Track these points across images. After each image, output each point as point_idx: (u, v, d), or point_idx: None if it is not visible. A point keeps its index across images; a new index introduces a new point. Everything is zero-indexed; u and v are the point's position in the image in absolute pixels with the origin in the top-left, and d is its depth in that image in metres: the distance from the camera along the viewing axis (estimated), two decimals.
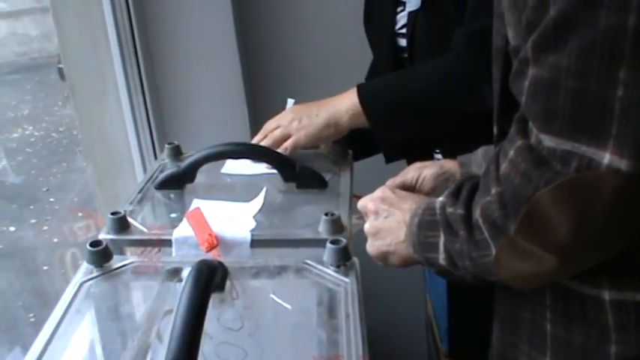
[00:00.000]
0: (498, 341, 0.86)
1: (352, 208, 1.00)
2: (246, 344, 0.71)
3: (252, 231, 0.91)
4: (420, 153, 1.27)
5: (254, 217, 0.96)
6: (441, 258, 0.79)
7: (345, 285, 0.78)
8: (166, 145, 1.20)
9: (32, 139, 4.59)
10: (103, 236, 0.90)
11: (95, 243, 0.81)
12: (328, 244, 0.81)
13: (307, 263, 0.82)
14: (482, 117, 1.10)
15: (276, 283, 0.81)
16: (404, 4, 1.24)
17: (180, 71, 1.62)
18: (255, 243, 0.90)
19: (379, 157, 1.23)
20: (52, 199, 3.71)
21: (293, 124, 1.17)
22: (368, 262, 0.88)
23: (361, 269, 0.81)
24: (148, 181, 1.09)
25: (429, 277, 1.58)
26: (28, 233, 3.33)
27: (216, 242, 0.87)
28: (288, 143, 1.16)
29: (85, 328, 0.74)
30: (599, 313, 0.73)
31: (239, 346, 0.71)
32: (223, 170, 1.14)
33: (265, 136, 1.18)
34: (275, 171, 1.06)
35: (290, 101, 1.24)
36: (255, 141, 1.19)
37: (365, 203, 0.92)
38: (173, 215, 1.00)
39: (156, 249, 0.91)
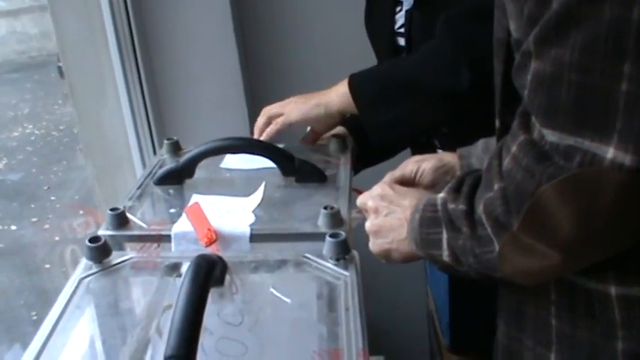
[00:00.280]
0: (503, 336, 0.86)
1: (351, 202, 1.00)
2: (247, 339, 0.71)
3: (251, 225, 0.91)
4: (407, 139, 1.27)
5: (253, 211, 0.96)
6: (445, 255, 0.79)
7: (344, 278, 0.78)
8: (165, 141, 1.20)
9: (32, 138, 4.59)
10: (102, 232, 0.90)
11: (94, 239, 0.81)
12: (328, 238, 0.81)
13: (307, 257, 0.82)
14: (471, 106, 1.11)
15: (276, 277, 0.81)
16: (402, 3, 1.25)
17: (178, 67, 1.62)
18: (254, 237, 0.90)
19: None
20: (52, 198, 3.72)
21: (289, 104, 1.21)
22: (368, 256, 0.88)
23: (361, 262, 0.81)
24: (147, 176, 1.09)
25: (430, 270, 1.58)
26: (29, 232, 3.33)
27: (216, 237, 0.87)
28: (280, 118, 1.20)
29: (84, 324, 0.74)
30: (605, 308, 0.72)
31: (239, 341, 0.71)
32: (222, 165, 1.14)
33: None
34: (274, 165, 1.06)
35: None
36: (256, 124, 1.23)
37: (365, 200, 0.92)
38: (172, 210, 1.00)
39: (155, 244, 0.91)
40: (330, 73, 1.20)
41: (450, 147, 1.31)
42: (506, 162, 0.69)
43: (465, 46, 1.08)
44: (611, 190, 0.61)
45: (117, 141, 1.58)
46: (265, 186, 1.03)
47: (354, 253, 0.82)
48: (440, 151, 1.35)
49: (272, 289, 0.78)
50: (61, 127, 4.68)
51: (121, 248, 0.90)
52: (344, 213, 0.92)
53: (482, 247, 0.73)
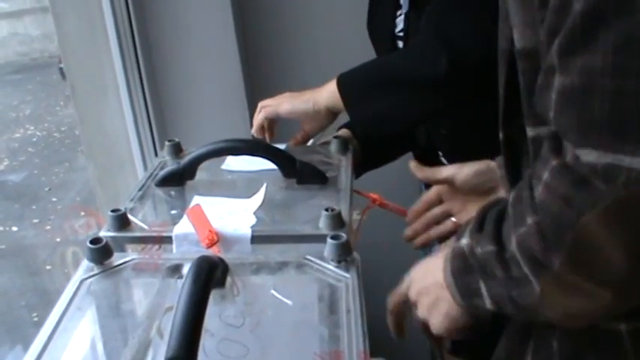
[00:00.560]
0: (503, 350, 0.84)
1: (353, 204, 1.00)
2: (248, 340, 0.71)
3: (252, 227, 0.91)
4: (395, 133, 1.28)
5: (254, 213, 0.96)
6: (487, 303, 0.73)
7: (345, 280, 0.78)
8: (166, 143, 1.20)
9: (34, 139, 4.60)
10: (104, 234, 0.90)
11: (95, 240, 0.81)
12: (329, 240, 0.81)
13: (308, 259, 0.81)
14: (455, 96, 1.12)
15: (277, 278, 0.81)
16: (402, 7, 1.26)
17: (179, 69, 1.62)
18: (255, 239, 0.89)
19: None
20: (54, 199, 3.72)
21: (282, 98, 1.24)
22: (368, 258, 0.88)
23: (362, 265, 0.81)
24: (149, 178, 1.08)
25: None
26: (31, 233, 3.33)
27: (217, 238, 0.87)
28: (269, 108, 1.23)
29: (85, 325, 0.74)
30: (615, 341, 0.69)
31: (240, 343, 0.71)
32: (224, 166, 1.14)
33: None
34: (275, 167, 1.06)
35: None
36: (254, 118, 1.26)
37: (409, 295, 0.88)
38: (173, 212, 0.99)
39: (156, 246, 0.90)
40: (331, 75, 1.21)
41: (449, 149, 1.31)
42: (539, 192, 0.62)
43: (442, 34, 1.10)
44: None
45: (118, 142, 1.58)
46: (266, 188, 1.03)
47: (356, 255, 0.81)
48: (440, 153, 1.35)
49: (273, 291, 0.78)
50: (63, 129, 4.68)
51: (122, 250, 0.90)
52: (345, 215, 0.92)
53: (520, 290, 0.66)
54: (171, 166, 1.09)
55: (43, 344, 0.68)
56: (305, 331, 0.75)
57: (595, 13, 0.55)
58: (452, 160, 1.31)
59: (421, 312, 0.86)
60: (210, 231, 0.88)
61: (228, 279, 0.77)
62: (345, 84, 1.16)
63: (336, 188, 1.05)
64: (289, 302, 0.77)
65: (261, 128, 1.26)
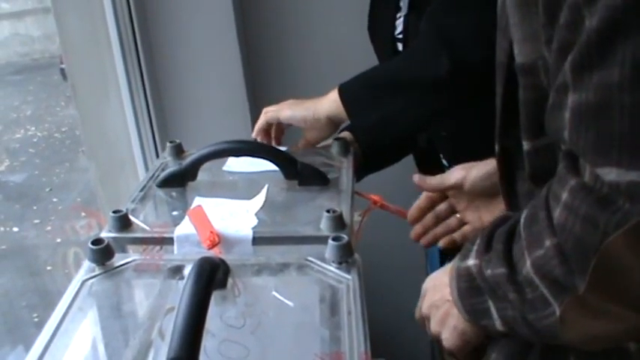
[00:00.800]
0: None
1: (354, 205, 1.00)
2: (249, 342, 0.71)
3: (253, 228, 0.91)
4: (398, 139, 1.28)
5: (256, 214, 0.96)
6: (498, 324, 0.72)
7: (347, 282, 0.78)
8: (168, 144, 1.20)
9: (35, 140, 4.59)
10: (105, 234, 0.90)
11: (97, 241, 0.81)
12: (330, 241, 0.80)
13: (309, 260, 0.81)
14: (457, 98, 1.12)
15: (278, 280, 0.81)
16: (402, 9, 1.26)
17: (181, 70, 1.62)
18: (256, 240, 0.90)
19: None
20: (55, 199, 3.72)
21: (285, 104, 1.24)
22: (369, 259, 0.88)
23: (363, 266, 0.81)
24: (150, 179, 1.09)
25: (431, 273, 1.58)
26: (32, 233, 3.33)
27: (218, 240, 0.87)
28: (270, 113, 1.24)
29: (87, 326, 0.74)
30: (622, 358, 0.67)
31: (241, 344, 0.71)
32: (225, 168, 1.14)
33: None
34: (277, 168, 1.06)
35: None
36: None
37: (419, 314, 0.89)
38: (175, 213, 1.00)
39: (157, 247, 0.91)
40: (333, 77, 1.21)
41: (450, 151, 1.32)
42: (558, 213, 0.60)
43: (443, 35, 1.10)
44: None
45: (120, 143, 1.58)
46: (268, 189, 1.03)
47: (357, 256, 0.81)
48: (440, 155, 1.35)
49: (274, 292, 0.78)
50: (64, 129, 4.67)
51: (124, 250, 0.90)
52: (346, 216, 0.92)
53: (536, 312, 0.65)
54: (172, 167, 1.09)
55: (44, 345, 0.68)
56: (306, 333, 0.75)
57: (611, 27, 0.53)
58: (453, 162, 1.31)
59: (433, 327, 0.86)
60: (211, 232, 0.88)
61: (230, 280, 0.77)
62: (347, 92, 1.16)
63: (337, 190, 1.05)
64: (290, 303, 0.77)
65: (262, 132, 1.27)
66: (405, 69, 1.15)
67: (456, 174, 1.02)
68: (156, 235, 0.91)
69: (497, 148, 0.81)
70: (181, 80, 1.63)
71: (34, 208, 3.60)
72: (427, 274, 1.61)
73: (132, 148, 1.57)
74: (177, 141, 1.21)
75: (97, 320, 0.76)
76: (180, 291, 0.65)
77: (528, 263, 0.64)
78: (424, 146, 1.39)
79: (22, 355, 0.68)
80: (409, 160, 1.45)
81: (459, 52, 1.07)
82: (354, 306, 0.74)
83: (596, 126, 0.55)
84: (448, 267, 0.83)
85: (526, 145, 0.74)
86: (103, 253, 0.81)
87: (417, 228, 1.10)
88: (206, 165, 1.07)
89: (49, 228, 3.38)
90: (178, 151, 1.19)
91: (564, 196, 0.59)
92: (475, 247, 0.75)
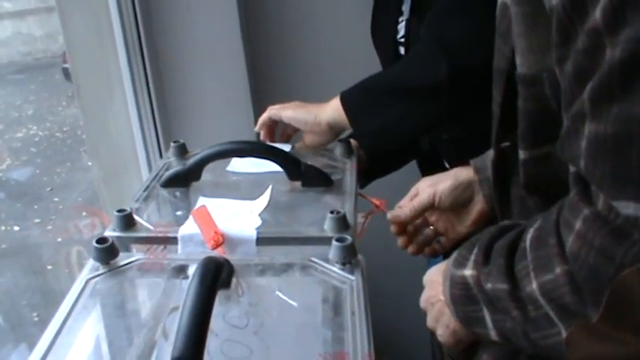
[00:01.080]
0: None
1: (357, 206, 1.00)
2: (252, 342, 0.71)
3: (257, 229, 0.91)
4: (400, 144, 1.28)
5: (260, 214, 0.96)
6: (493, 334, 0.72)
7: (350, 282, 0.78)
8: (172, 144, 1.20)
9: (36, 139, 4.59)
10: (109, 233, 0.90)
11: (101, 240, 0.81)
12: (334, 242, 0.81)
13: (313, 261, 0.82)
14: (457, 102, 1.12)
15: (282, 280, 0.81)
16: (404, 13, 1.27)
17: (185, 70, 1.63)
18: (260, 240, 0.90)
19: None
20: (56, 199, 3.72)
21: (289, 104, 1.24)
22: (374, 260, 0.88)
23: (367, 267, 0.81)
24: (154, 179, 1.09)
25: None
26: (32, 232, 3.33)
27: (222, 240, 0.87)
28: (273, 110, 1.24)
29: (91, 325, 0.74)
30: None
31: (244, 344, 0.71)
32: (229, 168, 1.14)
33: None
34: (280, 169, 1.06)
35: None
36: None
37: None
38: (179, 213, 1.00)
39: (162, 246, 0.91)
40: (336, 79, 1.21)
41: (452, 153, 1.32)
42: (571, 242, 0.59)
43: (443, 40, 1.10)
44: None
45: (123, 143, 1.58)
46: (272, 190, 1.03)
47: (360, 257, 0.82)
48: (444, 159, 1.36)
49: (278, 293, 0.78)
50: (65, 129, 4.68)
51: (128, 250, 0.90)
52: (350, 217, 0.93)
53: (540, 331, 0.65)
54: (176, 167, 1.09)
55: (49, 342, 0.68)
56: (309, 333, 0.76)
57: (635, 61, 0.52)
58: (455, 165, 1.32)
59: (429, 321, 0.87)
60: (215, 232, 0.88)
61: (233, 280, 0.77)
62: (349, 100, 1.16)
63: (340, 191, 1.05)
64: (294, 304, 0.77)
65: (265, 127, 1.27)
66: (405, 75, 1.16)
67: (425, 193, 1.04)
68: (160, 235, 0.91)
69: (492, 154, 0.81)
70: (185, 80, 1.63)
71: (35, 207, 3.60)
72: None
73: (135, 147, 1.57)
74: (181, 141, 1.21)
75: (101, 319, 0.77)
76: (184, 291, 0.65)
77: (535, 285, 0.63)
78: (426, 150, 1.39)
79: (23, 354, 0.69)
80: (412, 166, 1.46)
81: (459, 58, 1.07)
82: (358, 306, 0.74)
83: (614, 158, 0.54)
84: (443, 265, 0.83)
85: (523, 155, 0.74)
86: (107, 252, 0.81)
87: (403, 239, 1.12)
88: (210, 165, 1.07)
89: (49, 227, 3.38)
90: (182, 151, 1.19)
91: (577, 225, 0.58)
92: (472, 257, 0.74)
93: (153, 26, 1.58)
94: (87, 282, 0.78)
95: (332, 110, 1.18)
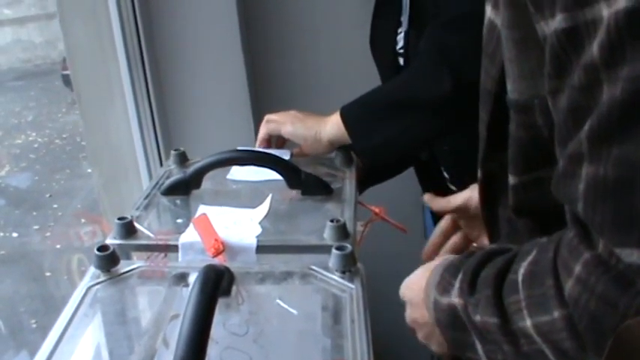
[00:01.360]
0: None
1: (357, 215, 1.01)
2: (251, 349, 0.71)
3: (257, 237, 0.92)
4: (401, 159, 1.28)
5: (260, 223, 0.96)
6: None
7: (350, 291, 0.78)
8: (172, 152, 1.21)
9: (36, 146, 4.60)
10: (110, 241, 0.90)
11: (102, 248, 0.82)
12: (334, 250, 0.81)
13: (313, 269, 0.82)
14: (459, 116, 1.12)
15: (282, 288, 0.81)
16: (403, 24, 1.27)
17: (186, 78, 1.63)
18: (260, 249, 0.90)
19: None
20: (55, 206, 3.72)
21: (288, 116, 1.23)
22: (373, 268, 0.88)
23: (366, 275, 0.82)
24: (154, 187, 1.09)
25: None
26: (31, 239, 3.33)
27: (223, 248, 0.88)
28: (272, 124, 1.23)
29: (92, 332, 0.74)
30: None
31: (244, 351, 0.71)
32: (229, 176, 1.14)
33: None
34: (280, 177, 1.07)
35: None
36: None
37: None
38: (179, 221, 1.00)
39: (162, 254, 0.91)
40: (336, 86, 1.22)
41: (451, 163, 1.32)
42: (570, 285, 0.56)
43: (445, 54, 1.10)
44: None
45: (123, 150, 1.58)
46: (272, 198, 1.04)
47: (360, 265, 0.82)
48: (442, 168, 1.36)
49: (278, 301, 0.79)
50: (64, 136, 4.68)
51: (128, 257, 0.90)
52: (350, 226, 0.93)
53: None
54: (176, 175, 1.09)
55: (50, 350, 0.69)
56: (309, 341, 0.76)
57: (635, 101, 0.50)
58: (454, 175, 1.32)
59: (420, 338, 0.85)
60: (216, 240, 0.88)
61: (234, 288, 0.77)
62: (349, 116, 1.16)
63: (340, 199, 1.06)
64: (294, 312, 0.78)
65: (265, 141, 1.27)
66: (407, 90, 1.15)
67: (460, 196, 1.02)
68: (160, 243, 0.91)
69: (480, 174, 0.80)
70: (186, 88, 1.64)
71: (34, 214, 3.61)
72: None
73: (136, 155, 1.57)
74: (182, 149, 1.21)
75: (101, 326, 0.77)
76: (185, 298, 0.66)
77: (529, 323, 0.61)
78: (425, 159, 1.39)
79: None
80: (410, 172, 1.46)
81: (461, 72, 1.07)
82: (358, 315, 0.74)
83: (615, 204, 0.51)
84: (418, 279, 0.82)
85: (512, 180, 0.72)
86: (108, 260, 0.81)
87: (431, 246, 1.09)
88: (210, 173, 1.07)
89: (48, 234, 3.38)
90: (182, 159, 1.20)
91: (577, 269, 0.56)
92: (457, 284, 0.71)
93: (153, 33, 1.58)
94: (88, 289, 0.79)
95: (332, 126, 1.17)
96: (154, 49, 1.59)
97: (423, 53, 1.15)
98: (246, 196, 1.08)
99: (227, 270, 0.76)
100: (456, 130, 1.17)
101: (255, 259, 0.90)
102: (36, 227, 3.44)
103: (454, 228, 1.08)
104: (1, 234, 3.39)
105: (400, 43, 1.29)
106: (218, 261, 0.85)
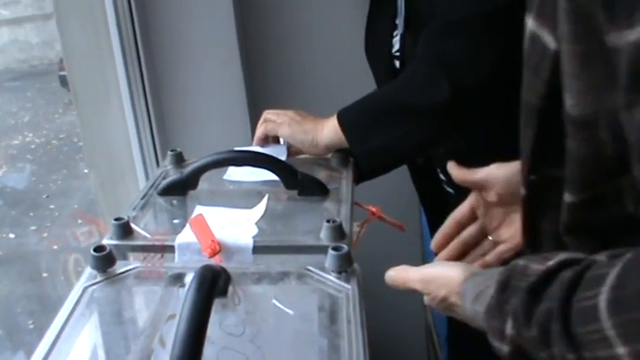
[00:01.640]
0: None
1: (353, 215, 1.01)
2: (248, 349, 0.71)
3: (254, 237, 0.92)
4: (399, 163, 1.28)
5: (256, 223, 0.96)
6: (505, 350, 0.68)
7: (346, 291, 0.78)
8: (169, 152, 1.21)
9: (32, 146, 4.60)
10: (107, 242, 0.90)
11: (99, 248, 0.82)
12: (330, 251, 0.81)
13: (309, 269, 0.82)
14: (456, 122, 1.12)
15: (278, 288, 0.81)
16: (398, 27, 1.27)
17: (182, 79, 1.63)
18: (257, 249, 0.90)
19: None
20: (52, 206, 3.72)
21: (286, 117, 1.22)
22: (370, 269, 0.88)
23: (363, 276, 0.82)
24: (151, 187, 1.09)
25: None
26: (28, 240, 3.33)
27: (219, 248, 0.88)
28: (270, 125, 1.22)
29: (88, 333, 0.74)
30: None
31: (241, 352, 0.71)
32: (226, 177, 1.14)
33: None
34: (277, 178, 1.07)
35: None
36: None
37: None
38: (176, 221, 1.00)
39: (159, 254, 0.91)
40: (332, 85, 1.22)
41: (446, 164, 1.32)
42: None
43: (442, 59, 1.10)
44: None
45: (120, 150, 1.58)
46: (268, 199, 1.04)
47: (356, 266, 0.82)
48: (438, 169, 1.36)
49: (274, 301, 0.79)
50: (61, 136, 4.68)
51: (125, 258, 0.90)
52: (346, 226, 0.93)
53: None
54: (173, 175, 1.09)
55: (46, 350, 0.69)
56: (305, 341, 0.76)
57: None
58: (450, 176, 1.32)
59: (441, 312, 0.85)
60: (212, 240, 0.88)
61: (230, 288, 0.77)
62: (347, 121, 1.16)
63: (337, 200, 1.06)
64: (290, 312, 0.78)
65: (261, 140, 1.27)
66: (405, 95, 1.15)
67: (485, 169, 0.95)
68: (157, 243, 0.91)
69: (523, 191, 0.76)
70: (182, 88, 1.64)
71: (31, 214, 3.61)
72: None
73: (132, 156, 1.58)
74: (178, 149, 1.21)
75: (98, 326, 0.77)
76: (181, 299, 0.65)
77: (623, 351, 0.56)
78: (420, 162, 1.39)
79: None
80: (407, 173, 1.46)
81: (459, 77, 1.06)
82: (354, 315, 0.74)
83: None
84: (459, 292, 0.80)
85: (570, 198, 0.69)
86: (104, 260, 0.81)
87: (442, 256, 1.03)
88: (207, 174, 1.07)
89: (45, 234, 3.38)
90: (179, 160, 1.20)
91: None
92: (512, 314, 0.66)
93: (150, 34, 1.58)
94: (84, 290, 0.79)
95: (329, 131, 1.17)
96: (151, 50, 1.59)
97: (420, 58, 1.15)
98: (242, 197, 1.08)
99: (223, 270, 0.76)
100: (453, 134, 1.17)
101: (251, 260, 0.90)
102: (33, 228, 3.44)
103: (471, 218, 1.02)
104: None
105: (396, 46, 1.29)
106: (214, 261, 0.86)
